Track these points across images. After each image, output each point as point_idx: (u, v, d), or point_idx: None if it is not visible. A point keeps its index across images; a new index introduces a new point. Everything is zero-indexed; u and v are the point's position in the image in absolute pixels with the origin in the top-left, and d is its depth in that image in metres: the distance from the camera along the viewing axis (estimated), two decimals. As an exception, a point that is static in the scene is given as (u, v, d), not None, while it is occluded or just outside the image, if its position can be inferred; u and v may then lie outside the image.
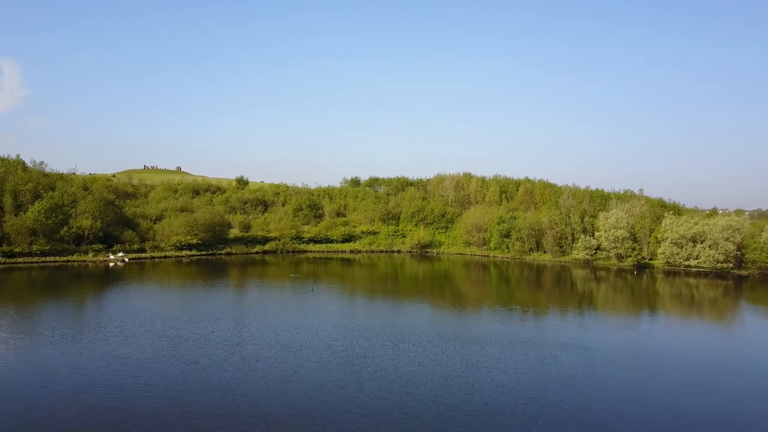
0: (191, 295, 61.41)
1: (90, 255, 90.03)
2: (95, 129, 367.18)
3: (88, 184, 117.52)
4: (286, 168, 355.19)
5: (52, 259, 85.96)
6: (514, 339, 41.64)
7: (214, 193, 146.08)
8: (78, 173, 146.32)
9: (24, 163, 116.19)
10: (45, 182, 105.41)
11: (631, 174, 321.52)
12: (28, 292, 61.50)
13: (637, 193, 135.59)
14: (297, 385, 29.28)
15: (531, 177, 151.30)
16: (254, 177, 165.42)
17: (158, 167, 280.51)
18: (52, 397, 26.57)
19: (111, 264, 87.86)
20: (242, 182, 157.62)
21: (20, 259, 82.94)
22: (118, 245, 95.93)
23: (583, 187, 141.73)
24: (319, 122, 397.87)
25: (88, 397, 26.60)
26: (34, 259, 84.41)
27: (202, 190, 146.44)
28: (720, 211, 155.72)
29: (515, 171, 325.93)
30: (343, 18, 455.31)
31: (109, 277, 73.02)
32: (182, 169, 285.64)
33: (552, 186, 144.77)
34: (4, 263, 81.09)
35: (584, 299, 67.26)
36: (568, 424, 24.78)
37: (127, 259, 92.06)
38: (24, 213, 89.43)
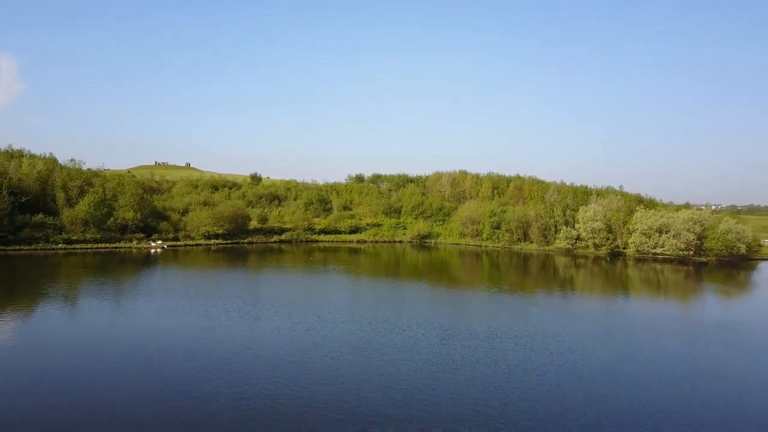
0: (236, 273, 75.16)
1: (134, 242, 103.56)
2: (95, 126, 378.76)
3: (121, 180, 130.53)
4: (286, 164, 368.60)
5: (102, 245, 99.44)
6: (500, 301, 55.54)
7: (231, 188, 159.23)
8: (104, 169, 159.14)
9: (56, 160, 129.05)
10: (83, 178, 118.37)
11: (630, 172, 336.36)
12: (106, 271, 74.99)
13: (617, 189, 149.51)
14: (334, 322, 43.14)
15: (522, 174, 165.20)
16: (258, 172, 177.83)
17: (168, 163, 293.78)
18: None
19: (152, 250, 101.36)
20: (256, 178, 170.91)
21: (77, 246, 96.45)
22: (156, 234, 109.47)
23: (575, 183, 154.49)
24: (318, 121, 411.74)
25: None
26: (88, 245, 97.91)
27: (219, 185, 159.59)
28: (712, 207, 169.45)
29: (511, 168, 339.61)
30: (342, 16, 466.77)
31: (155, 261, 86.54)
32: (191, 165, 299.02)
33: (540, 182, 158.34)
34: (65, 249, 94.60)
35: (564, 281, 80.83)
36: (522, 338, 38.70)
37: (165, 246, 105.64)
38: (75, 206, 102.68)
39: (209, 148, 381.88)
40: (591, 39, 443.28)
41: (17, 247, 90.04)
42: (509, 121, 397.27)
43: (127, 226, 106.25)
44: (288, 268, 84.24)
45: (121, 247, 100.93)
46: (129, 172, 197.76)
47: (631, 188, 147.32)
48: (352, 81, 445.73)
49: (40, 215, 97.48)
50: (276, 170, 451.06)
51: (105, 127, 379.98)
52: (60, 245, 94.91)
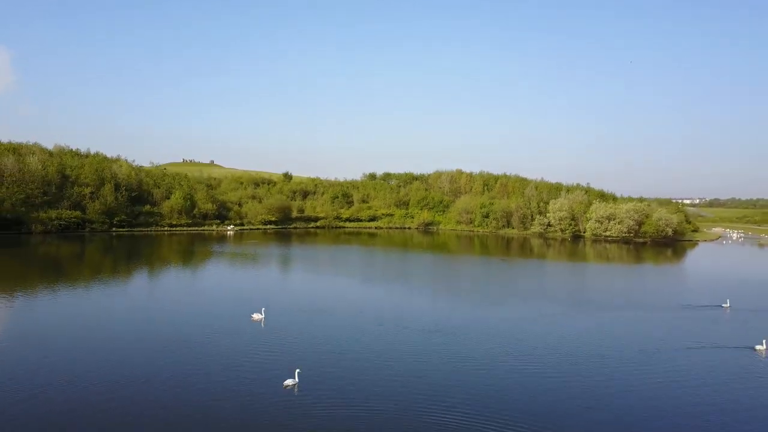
0: (298, 244, 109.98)
1: (213, 226, 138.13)
2: (93, 117, 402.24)
3: (190, 178, 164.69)
4: (286, 155, 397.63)
5: (193, 228, 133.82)
6: (486, 262, 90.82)
7: (268, 184, 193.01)
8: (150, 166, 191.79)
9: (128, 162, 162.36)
10: (165, 177, 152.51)
11: (622, 167, 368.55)
12: (215, 243, 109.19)
13: (584, 186, 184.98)
14: (355, 269, 78.18)
15: (508, 173, 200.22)
16: (266, 167, 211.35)
17: (195, 160, 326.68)
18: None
19: (227, 233, 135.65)
20: (288, 176, 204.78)
21: (176, 229, 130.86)
22: (228, 221, 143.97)
23: (555, 180, 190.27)
24: (318, 113, 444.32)
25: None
26: (183, 228, 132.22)
27: (259, 182, 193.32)
28: (696, 200, 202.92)
29: (500, 166, 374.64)
30: (343, 11, 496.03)
31: (233, 239, 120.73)
32: (215, 162, 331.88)
33: (522, 180, 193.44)
34: (168, 231, 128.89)
35: (536, 255, 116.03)
36: (504, 289, 73.93)
37: (236, 230, 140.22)
38: (170, 199, 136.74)
39: (212, 146, 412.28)
40: (591, 32, 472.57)
41: (139, 229, 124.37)
42: (508, 114, 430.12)
43: (207, 214, 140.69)
44: (338, 242, 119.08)
45: (205, 230, 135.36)
46: (164, 168, 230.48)
47: (613, 184, 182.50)
48: (352, 76, 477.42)
49: (147, 206, 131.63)
50: (277, 163, 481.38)
51: (104, 118, 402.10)
52: (165, 228, 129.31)
